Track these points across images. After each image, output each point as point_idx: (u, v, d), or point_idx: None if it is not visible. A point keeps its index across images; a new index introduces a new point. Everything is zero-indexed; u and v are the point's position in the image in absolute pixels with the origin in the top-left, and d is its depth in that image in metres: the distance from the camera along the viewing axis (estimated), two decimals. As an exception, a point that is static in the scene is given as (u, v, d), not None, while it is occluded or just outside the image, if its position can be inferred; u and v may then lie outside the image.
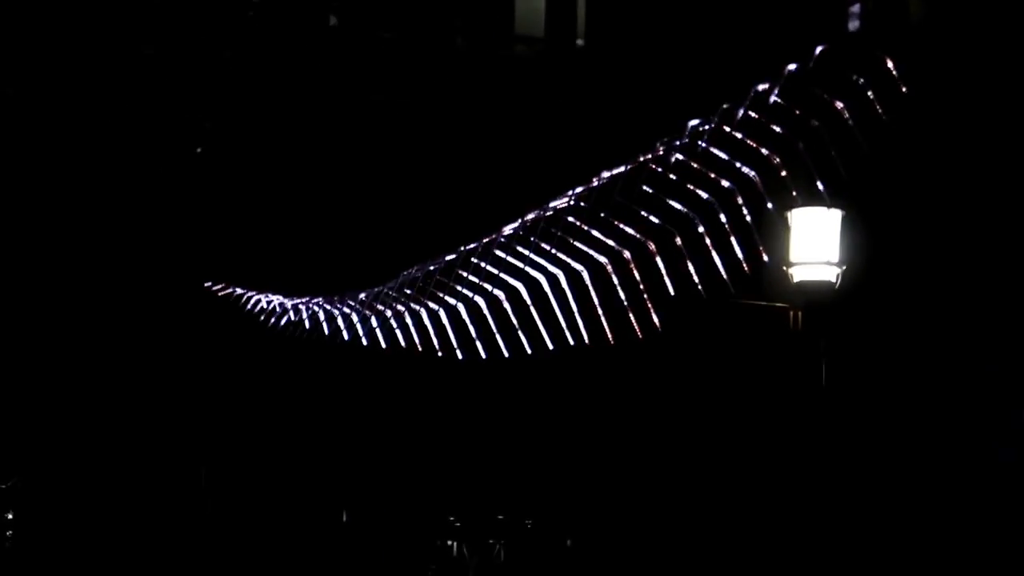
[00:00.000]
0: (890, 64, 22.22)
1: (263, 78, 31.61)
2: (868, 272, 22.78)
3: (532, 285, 25.36)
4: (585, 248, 24.95)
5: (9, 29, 30.06)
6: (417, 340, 26.56)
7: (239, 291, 28.70)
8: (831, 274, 20.37)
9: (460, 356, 25.99)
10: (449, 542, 27.92)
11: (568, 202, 25.02)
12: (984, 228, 28.13)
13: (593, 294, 24.82)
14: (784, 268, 20.72)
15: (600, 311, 24.73)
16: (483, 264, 25.74)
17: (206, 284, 28.85)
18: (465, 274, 25.97)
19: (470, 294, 26.05)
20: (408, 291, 26.69)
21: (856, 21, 32.44)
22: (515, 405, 28.67)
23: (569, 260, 24.87)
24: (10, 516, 28.03)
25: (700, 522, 26.33)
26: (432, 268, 26.69)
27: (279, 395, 29.13)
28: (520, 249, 25.36)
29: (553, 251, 25.02)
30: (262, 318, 28.50)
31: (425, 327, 26.53)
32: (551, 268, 25.12)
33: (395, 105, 31.89)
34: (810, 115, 22.77)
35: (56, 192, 29.56)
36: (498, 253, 25.65)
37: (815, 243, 20.50)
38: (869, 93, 22.64)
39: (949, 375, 27.96)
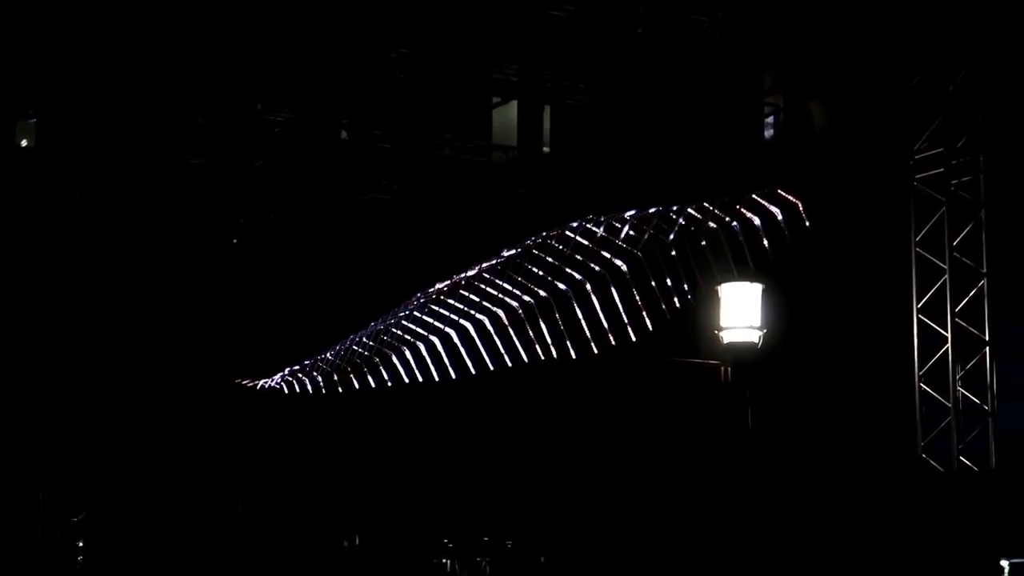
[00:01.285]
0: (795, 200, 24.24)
1: (289, 181, 32.29)
2: (784, 334, 23.41)
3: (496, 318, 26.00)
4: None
5: (82, 145, 30.69)
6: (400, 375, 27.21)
7: (260, 380, 29.25)
8: (754, 336, 21.40)
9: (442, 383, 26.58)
10: (443, 560, 28.11)
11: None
12: (873, 299, 29.20)
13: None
14: (715, 332, 21.67)
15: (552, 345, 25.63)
16: (451, 302, 26.42)
17: (238, 380, 29.42)
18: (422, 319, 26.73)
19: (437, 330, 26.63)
20: (383, 337, 27.17)
21: (770, 130, 33.36)
22: (493, 447, 28.62)
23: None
24: (81, 544, 28.08)
25: (652, 541, 26.60)
26: (391, 321, 27.29)
27: (297, 443, 29.24)
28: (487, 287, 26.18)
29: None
30: (276, 389, 29.00)
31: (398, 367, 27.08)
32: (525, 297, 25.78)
33: (396, 203, 32.62)
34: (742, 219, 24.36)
35: (115, 283, 30.18)
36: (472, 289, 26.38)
37: (741, 311, 21.45)
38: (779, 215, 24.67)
39: (851, 416, 28.75)
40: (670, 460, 27.50)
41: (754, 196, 24.61)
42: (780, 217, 24.19)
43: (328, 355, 28.43)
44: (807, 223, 23.72)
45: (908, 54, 28.35)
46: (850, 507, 26.07)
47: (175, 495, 28.74)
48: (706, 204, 24.70)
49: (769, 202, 24.40)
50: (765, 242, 24.24)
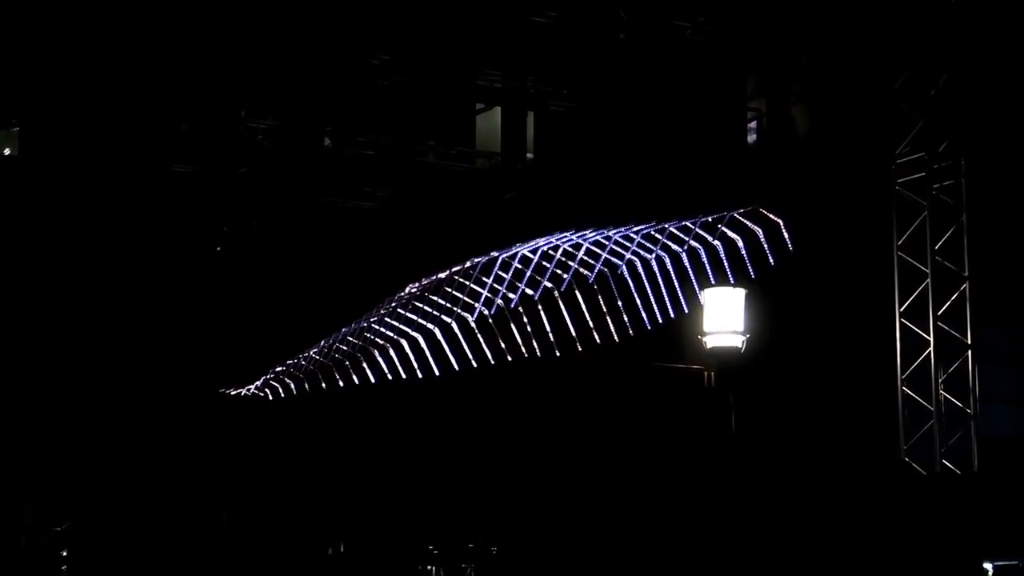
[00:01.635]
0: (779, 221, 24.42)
1: (272, 189, 32.07)
2: (767, 338, 23.73)
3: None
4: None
5: (65, 153, 30.44)
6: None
7: (241, 388, 29.24)
8: (737, 341, 21.31)
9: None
10: (429, 566, 28.08)
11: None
12: (855, 303, 29.39)
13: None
14: (699, 336, 21.60)
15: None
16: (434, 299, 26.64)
17: (221, 389, 29.24)
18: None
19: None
20: (366, 335, 27.30)
21: (753, 135, 33.36)
22: (478, 451, 28.59)
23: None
24: (65, 554, 27.93)
25: (638, 544, 26.61)
26: (374, 319, 27.42)
27: (280, 450, 28.90)
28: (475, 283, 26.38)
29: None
30: (258, 396, 28.96)
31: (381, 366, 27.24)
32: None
33: (380, 209, 32.41)
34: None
35: (99, 292, 29.88)
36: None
37: (724, 316, 21.38)
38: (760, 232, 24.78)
39: (835, 420, 28.84)
40: (655, 464, 27.48)
41: (736, 215, 24.79)
42: (762, 236, 24.29)
43: (312, 353, 28.39)
44: (789, 244, 23.80)
45: (890, 59, 28.61)
46: (833, 510, 26.18)
47: (159, 504, 28.47)
48: (688, 224, 24.83)
49: (751, 221, 24.57)
50: (747, 262, 24.30)
